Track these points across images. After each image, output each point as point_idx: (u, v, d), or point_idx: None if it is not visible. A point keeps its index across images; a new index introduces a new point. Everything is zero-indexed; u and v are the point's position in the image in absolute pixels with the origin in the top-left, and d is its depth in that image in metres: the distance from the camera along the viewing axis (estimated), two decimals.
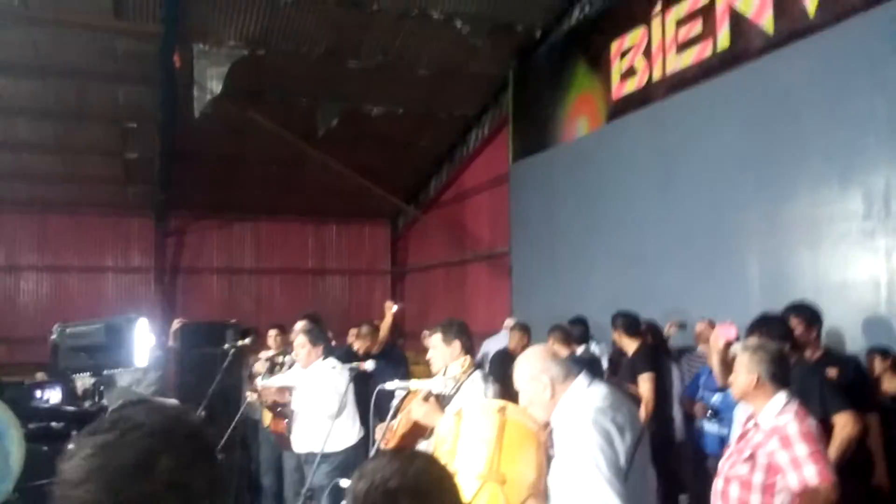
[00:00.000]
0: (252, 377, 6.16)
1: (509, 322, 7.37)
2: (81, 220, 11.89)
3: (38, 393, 2.71)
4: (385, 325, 6.70)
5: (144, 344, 2.87)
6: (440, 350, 3.74)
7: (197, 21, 8.36)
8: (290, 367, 5.41)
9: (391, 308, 6.84)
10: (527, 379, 2.50)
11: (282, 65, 9.28)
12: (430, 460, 1.34)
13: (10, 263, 11.62)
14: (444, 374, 3.72)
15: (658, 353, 5.46)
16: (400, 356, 6.96)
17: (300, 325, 5.76)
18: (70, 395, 2.66)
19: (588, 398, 2.39)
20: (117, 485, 0.69)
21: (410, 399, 3.68)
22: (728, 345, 4.03)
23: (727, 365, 4.10)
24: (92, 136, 10.22)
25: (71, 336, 2.86)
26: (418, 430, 3.55)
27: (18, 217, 11.59)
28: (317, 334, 4.95)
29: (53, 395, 2.68)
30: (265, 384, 5.12)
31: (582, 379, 2.48)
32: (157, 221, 12.24)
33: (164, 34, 8.11)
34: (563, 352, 5.31)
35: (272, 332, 6.67)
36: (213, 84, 9.00)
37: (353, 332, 6.81)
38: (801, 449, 2.71)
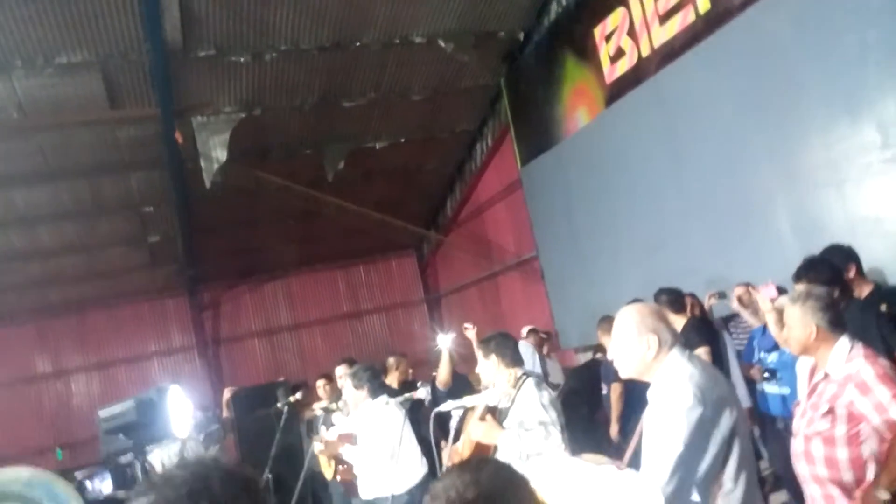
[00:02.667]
0: (311, 429, 6.17)
1: (524, 331, 7.29)
2: (118, 312, 12.10)
3: (88, 485, 2.68)
4: (444, 361, 6.19)
5: (181, 412, 2.83)
6: (483, 366, 3.73)
7: (190, 95, 8.53)
8: (344, 412, 5.39)
9: (466, 329, 6.17)
10: (633, 332, 2.40)
11: (280, 120, 9.42)
12: (497, 464, 1.33)
13: (58, 368, 11.83)
14: (494, 387, 3.70)
15: (708, 324, 5.36)
16: (465, 383, 6.80)
17: (340, 370, 5.77)
18: (121, 478, 2.63)
19: (690, 370, 2.31)
20: None
21: (469, 418, 3.67)
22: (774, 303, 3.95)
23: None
24: (112, 228, 10.42)
25: (105, 420, 2.81)
26: (482, 450, 3.53)
27: (57, 322, 11.82)
28: (360, 376, 4.83)
29: (105, 485, 2.66)
30: (327, 437, 5.07)
31: (681, 349, 2.40)
32: (191, 298, 12.42)
33: (162, 114, 8.28)
34: (678, 320, 5.01)
35: (320, 383, 6.67)
36: (218, 152, 9.16)
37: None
38: (882, 392, 2.60)
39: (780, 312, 2.99)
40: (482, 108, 10.79)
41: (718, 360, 5.12)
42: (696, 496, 2.21)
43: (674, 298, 5.28)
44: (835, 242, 4.15)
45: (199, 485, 0.88)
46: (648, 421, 2.32)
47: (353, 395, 4.78)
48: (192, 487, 0.88)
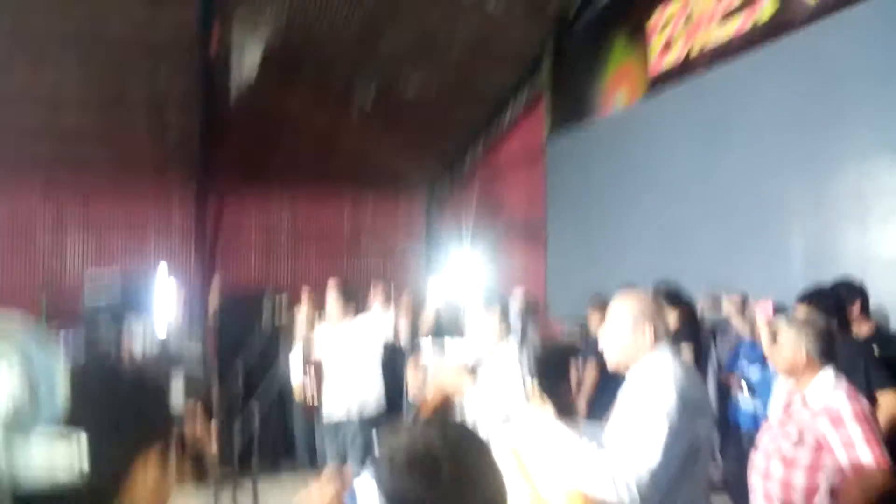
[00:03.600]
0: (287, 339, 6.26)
1: (517, 292, 7.33)
2: (123, 182, 12.03)
3: (63, 336, 2.70)
4: (430, 308, 6.29)
5: (165, 290, 2.84)
6: (472, 318, 3.73)
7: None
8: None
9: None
10: (631, 318, 2.38)
11: (318, 39, 9.27)
12: (465, 427, 1.32)
13: (57, 222, 11.84)
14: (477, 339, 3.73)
15: (696, 324, 5.43)
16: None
17: (331, 283, 5.84)
18: (94, 339, 2.66)
19: (675, 370, 2.29)
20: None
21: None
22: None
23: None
24: (132, 122, 10.32)
25: (91, 280, 2.83)
26: (444, 399, 3.51)
27: (64, 178, 11.78)
28: (350, 292, 5.01)
29: (79, 340, 2.70)
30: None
31: (668, 347, 2.41)
32: (198, 188, 12.43)
33: (201, 8, 8.16)
34: (671, 315, 5.05)
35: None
36: (249, 62, 9.09)
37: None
38: (854, 430, 2.62)
39: (774, 331, 3.03)
40: (521, 70, 10.62)
41: (699, 360, 5.21)
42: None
43: (671, 293, 5.34)
44: (847, 275, 4.18)
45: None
46: (624, 403, 2.29)
47: (342, 306, 4.87)
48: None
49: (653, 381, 2.25)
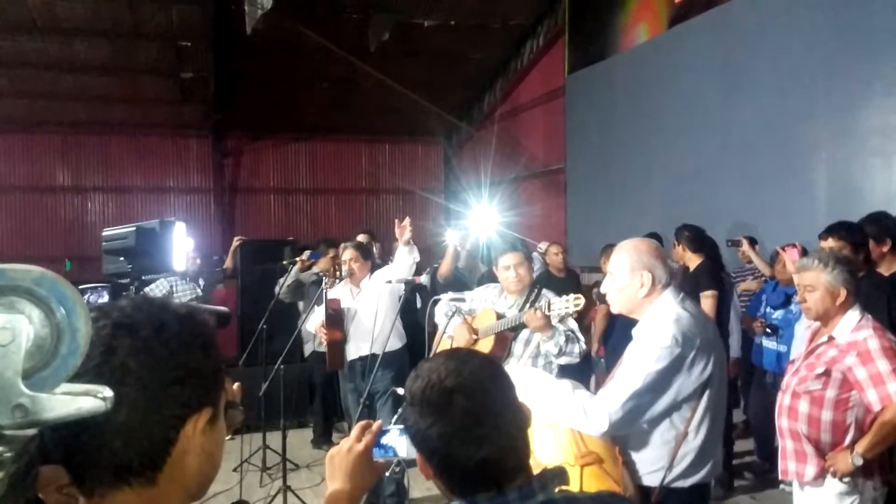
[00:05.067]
0: (301, 292, 6.27)
1: (543, 245, 7.21)
2: (142, 141, 12.15)
3: (86, 297, 2.65)
4: (448, 255, 6.03)
5: (181, 248, 2.78)
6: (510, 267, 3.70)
7: None
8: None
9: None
10: (627, 268, 2.40)
11: None
12: (485, 359, 1.34)
13: (77, 184, 12.02)
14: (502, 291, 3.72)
15: (719, 269, 5.34)
16: (463, 281, 6.86)
17: (361, 237, 5.83)
18: (118, 298, 2.61)
19: (678, 312, 2.32)
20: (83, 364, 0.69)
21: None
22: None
23: None
24: (147, 56, 10.28)
25: (107, 239, 2.78)
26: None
27: (82, 138, 11.90)
28: (366, 250, 5.01)
29: (101, 300, 2.64)
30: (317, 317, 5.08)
31: (673, 291, 2.41)
32: (215, 142, 12.41)
33: None
34: (694, 259, 5.07)
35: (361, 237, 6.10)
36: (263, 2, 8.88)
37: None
38: (882, 364, 2.61)
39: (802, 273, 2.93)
40: (540, 5, 10.35)
41: (723, 305, 5.14)
42: (643, 431, 2.29)
43: (695, 236, 5.22)
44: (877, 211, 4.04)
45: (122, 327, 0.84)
46: (628, 354, 2.36)
47: (361, 265, 4.88)
48: (134, 320, 0.85)
49: (651, 331, 2.30)
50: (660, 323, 2.30)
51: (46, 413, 0.62)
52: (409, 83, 10.64)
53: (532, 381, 2.37)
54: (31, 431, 0.63)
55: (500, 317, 3.54)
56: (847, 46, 5.47)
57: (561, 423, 2.27)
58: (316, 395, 6.57)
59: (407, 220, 4.35)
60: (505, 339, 3.45)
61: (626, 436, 2.31)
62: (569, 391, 2.29)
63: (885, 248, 3.76)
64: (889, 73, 5.16)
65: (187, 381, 0.86)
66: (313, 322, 5.02)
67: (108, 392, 0.66)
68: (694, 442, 2.29)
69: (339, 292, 5.00)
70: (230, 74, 10.58)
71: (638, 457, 2.32)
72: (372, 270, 4.94)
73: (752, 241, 5.56)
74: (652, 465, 2.30)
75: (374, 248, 6.22)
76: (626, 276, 2.39)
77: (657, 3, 7.80)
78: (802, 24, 5.90)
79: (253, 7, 8.84)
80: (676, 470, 2.29)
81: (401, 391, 2.39)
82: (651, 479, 2.31)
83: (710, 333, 2.38)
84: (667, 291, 2.38)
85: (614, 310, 2.53)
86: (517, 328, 3.43)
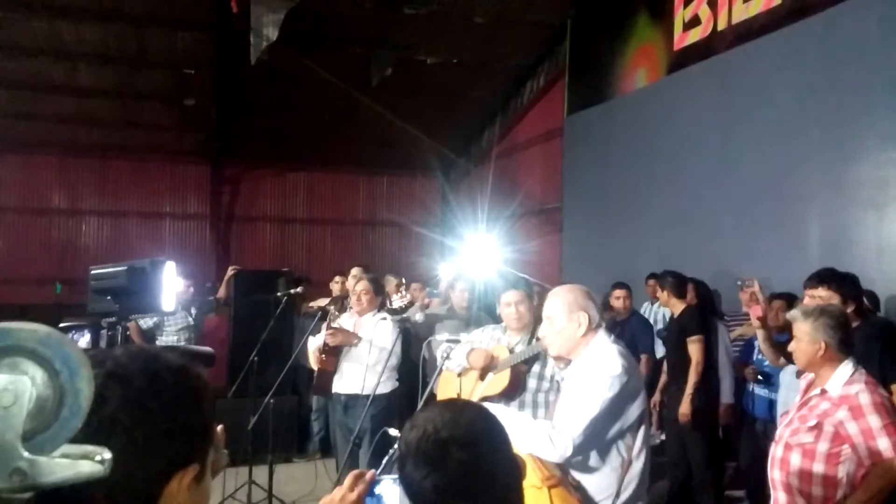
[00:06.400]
0: (304, 325, 6.23)
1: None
2: (140, 166, 12.17)
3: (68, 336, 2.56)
4: (441, 288, 6.45)
5: (171, 288, 2.73)
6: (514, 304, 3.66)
7: None
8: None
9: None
10: (565, 310, 2.53)
11: (337, 11, 9.21)
12: (481, 411, 1.34)
13: (73, 206, 12.00)
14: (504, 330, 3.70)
15: (705, 314, 5.35)
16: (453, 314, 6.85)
17: (356, 271, 5.78)
18: (98, 340, 2.52)
19: (618, 349, 2.47)
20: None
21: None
22: (764, 322, 3.93)
23: (772, 344, 4.03)
24: (151, 82, 10.36)
25: (95, 278, 2.72)
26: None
27: (80, 161, 11.92)
28: (380, 285, 5.00)
29: (82, 341, 2.56)
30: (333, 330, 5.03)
31: (605, 332, 2.55)
32: (213, 168, 12.45)
33: None
34: (678, 305, 5.15)
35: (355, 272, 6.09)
36: (270, 30, 8.97)
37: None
38: (873, 420, 2.61)
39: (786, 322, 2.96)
40: (541, 47, 10.50)
41: (710, 350, 5.14)
42: (594, 458, 2.42)
43: (678, 282, 5.28)
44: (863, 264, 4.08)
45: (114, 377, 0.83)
46: (566, 388, 2.52)
47: (371, 298, 4.84)
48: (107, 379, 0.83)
49: (598, 362, 2.44)
50: (604, 356, 2.44)
51: (45, 477, 0.62)
52: (409, 118, 10.73)
53: (496, 411, 2.41)
54: (28, 495, 0.62)
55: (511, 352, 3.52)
56: (842, 100, 5.56)
57: (522, 450, 2.32)
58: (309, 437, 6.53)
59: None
60: (520, 373, 3.42)
61: (578, 462, 2.42)
62: (531, 420, 2.50)
63: (850, 310, 3.79)
64: (882, 128, 5.24)
65: (176, 436, 0.85)
66: (314, 343, 4.98)
67: (106, 454, 0.66)
68: (635, 469, 2.44)
69: (344, 323, 4.98)
70: (232, 102, 10.65)
71: (589, 483, 2.43)
72: (381, 308, 4.92)
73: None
74: (602, 492, 2.42)
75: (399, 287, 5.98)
76: (564, 318, 2.53)
77: (656, 50, 7.92)
78: (798, 77, 5.99)
79: (258, 38, 8.95)
80: (623, 496, 2.42)
81: (393, 432, 2.38)
82: None
83: (637, 376, 2.56)
84: (600, 331, 2.54)
85: (552, 353, 2.67)
86: (530, 361, 3.39)
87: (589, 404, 2.34)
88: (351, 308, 5.06)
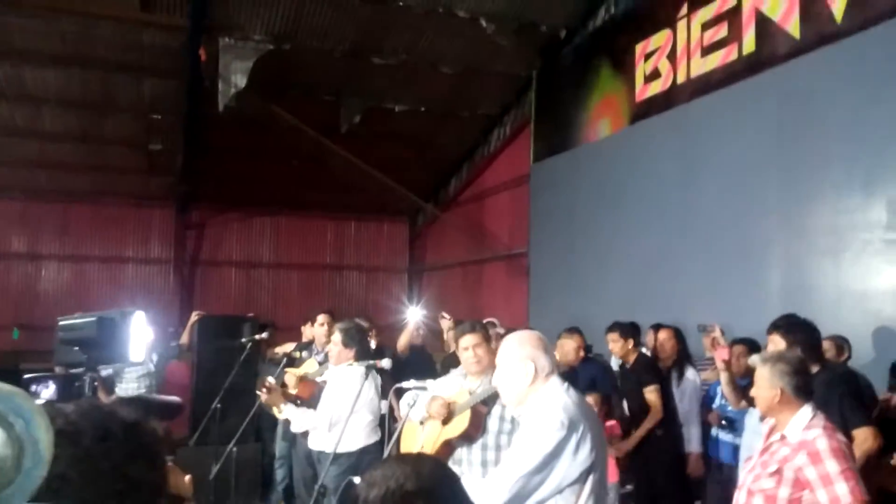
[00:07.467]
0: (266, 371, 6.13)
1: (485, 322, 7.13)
2: (103, 210, 12.01)
3: (32, 388, 2.50)
4: (407, 331, 6.39)
5: (140, 339, 2.68)
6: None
7: (223, 15, 8.42)
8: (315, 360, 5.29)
9: (443, 318, 6.40)
10: (514, 360, 2.49)
11: (306, 60, 9.32)
12: (436, 461, 1.33)
13: (32, 251, 11.77)
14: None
15: (656, 362, 5.40)
16: (424, 357, 6.82)
17: (321, 318, 5.65)
18: (67, 389, 2.46)
19: (564, 400, 2.41)
20: None
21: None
22: (728, 364, 3.99)
23: (735, 387, 4.09)
24: (117, 127, 10.31)
25: (64, 329, 2.67)
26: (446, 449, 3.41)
27: (41, 206, 11.72)
28: (352, 336, 4.64)
29: (45, 392, 2.49)
30: (289, 375, 4.94)
31: (559, 379, 2.50)
32: (179, 213, 12.33)
33: (191, 28, 8.17)
34: (632, 354, 5.19)
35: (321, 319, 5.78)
36: (238, 78, 9.05)
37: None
38: (831, 465, 2.64)
39: (748, 369, 3.01)
40: (508, 96, 10.71)
41: (667, 398, 5.16)
42: None
43: (626, 329, 5.31)
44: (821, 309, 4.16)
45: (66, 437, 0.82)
46: (516, 440, 2.49)
47: (340, 351, 4.67)
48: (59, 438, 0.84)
49: (539, 416, 2.39)
50: (547, 409, 2.38)
51: None
52: (377, 163, 10.80)
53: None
54: None
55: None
56: (797, 150, 5.76)
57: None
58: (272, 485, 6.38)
59: None
60: (480, 414, 3.36)
61: None
62: (479, 481, 2.48)
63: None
64: (837, 177, 5.43)
65: (128, 495, 0.84)
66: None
67: None
68: None
69: (328, 374, 4.82)
70: (199, 148, 10.62)
71: None
72: (359, 358, 4.57)
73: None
74: None
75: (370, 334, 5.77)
76: (511, 367, 2.49)
77: (619, 101, 8.14)
78: (756, 127, 6.20)
79: (227, 85, 9.01)
80: None
81: (358, 481, 2.34)
82: None
83: (594, 423, 2.48)
84: (553, 379, 2.47)
85: (504, 401, 2.65)
86: (490, 401, 3.33)
87: (522, 459, 2.30)
88: (317, 353, 4.98)
